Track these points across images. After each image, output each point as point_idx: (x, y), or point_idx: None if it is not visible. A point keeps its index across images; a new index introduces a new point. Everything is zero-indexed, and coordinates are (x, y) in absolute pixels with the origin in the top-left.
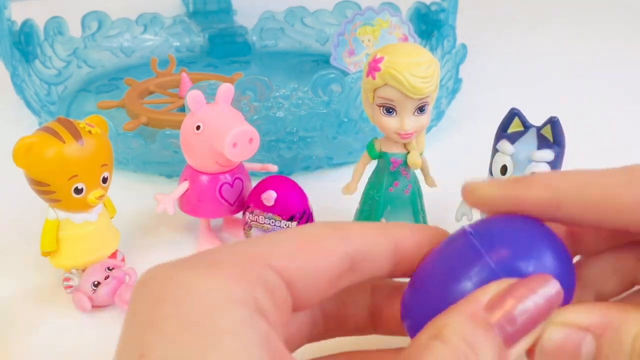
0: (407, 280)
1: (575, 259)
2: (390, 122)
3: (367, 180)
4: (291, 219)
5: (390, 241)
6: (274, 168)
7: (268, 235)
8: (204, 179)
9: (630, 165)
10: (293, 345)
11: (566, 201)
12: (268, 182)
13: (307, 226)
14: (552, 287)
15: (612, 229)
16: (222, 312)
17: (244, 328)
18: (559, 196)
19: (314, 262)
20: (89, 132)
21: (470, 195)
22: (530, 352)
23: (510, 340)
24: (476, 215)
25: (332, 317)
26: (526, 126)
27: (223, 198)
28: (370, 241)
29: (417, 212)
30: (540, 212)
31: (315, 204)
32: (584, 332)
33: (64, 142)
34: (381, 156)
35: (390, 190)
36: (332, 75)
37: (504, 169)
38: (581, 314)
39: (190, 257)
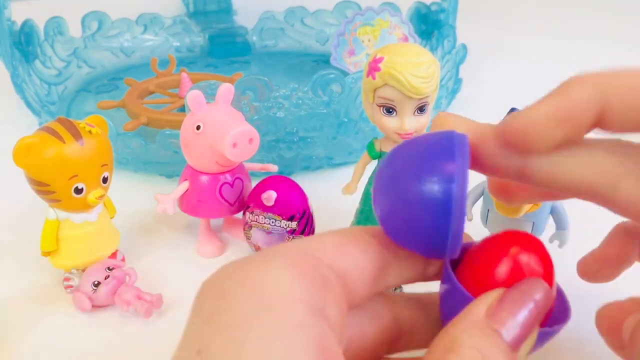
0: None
1: None
2: (391, 122)
3: (367, 180)
4: (291, 218)
5: None
6: (274, 168)
7: (317, 235)
8: (204, 179)
9: None
10: (365, 353)
11: (619, 107)
12: (268, 182)
13: (349, 228)
14: (543, 289)
15: None
16: (280, 310)
17: (301, 327)
18: (609, 101)
19: (359, 254)
20: (89, 132)
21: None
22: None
23: (515, 344)
24: (476, 216)
25: (405, 330)
26: None
27: (223, 198)
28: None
29: None
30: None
31: (315, 204)
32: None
33: (64, 142)
34: (381, 156)
35: None
36: (332, 76)
37: None
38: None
39: (253, 256)
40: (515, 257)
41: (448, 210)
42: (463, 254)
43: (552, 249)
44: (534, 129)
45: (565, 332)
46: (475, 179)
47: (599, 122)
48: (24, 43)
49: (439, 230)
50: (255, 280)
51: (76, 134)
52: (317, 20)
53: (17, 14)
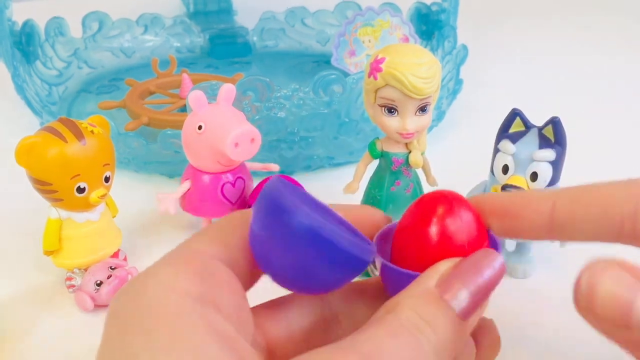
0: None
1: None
2: (392, 122)
3: (368, 179)
4: None
5: None
6: (275, 168)
7: (203, 229)
8: (206, 178)
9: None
10: (305, 348)
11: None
12: None
13: (235, 213)
14: (496, 261)
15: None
16: (161, 303)
17: (183, 315)
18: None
19: (242, 240)
20: (91, 132)
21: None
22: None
23: (465, 314)
24: None
25: (343, 314)
26: (527, 126)
27: (225, 197)
28: None
29: None
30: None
31: None
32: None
33: (67, 142)
34: (383, 156)
35: (392, 190)
36: (333, 76)
37: (505, 169)
38: (633, 267)
39: (141, 271)
40: (442, 223)
41: (316, 230)
42: (390, 236)
43: (552, 249)
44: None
45: (565, 333)
46: (475, 179)
47: (556, 230)
48: (25, 43)
49: (333, 254)
50: (139, 287)
51: (78, 134)
52: (317, 21)
53: (18, 14)
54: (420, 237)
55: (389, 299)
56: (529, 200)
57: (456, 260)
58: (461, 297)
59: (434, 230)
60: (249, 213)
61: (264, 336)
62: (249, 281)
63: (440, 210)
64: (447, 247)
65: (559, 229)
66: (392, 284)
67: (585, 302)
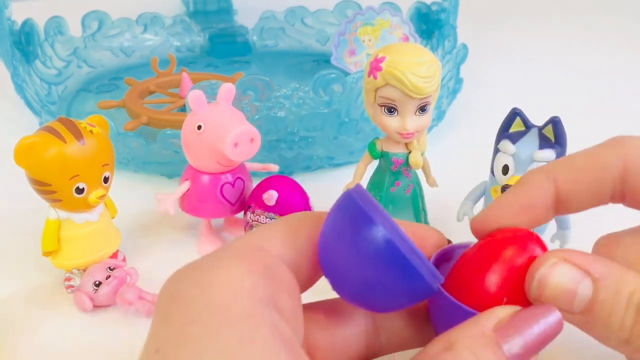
0: None
1: None
2: (392, 122)
3: (368, 179)
4: None
5: None
6: (275, 168)
7: (264, 226)
8: (205, 178)
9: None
10: (338, 354)
11: (566, 187)
12: (269, 182)
13: (298, 214)
14: (555, 316)
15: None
16: (230, 305)
17: (251, 317)
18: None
19: (306, 241)
20: (91, 131)
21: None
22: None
23: None
24: None
25: (383, 328)
26: (528, 126)
27: (224, 198)
28: None
29: (418, 211)
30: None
31: (316, 204)
32: (584, 274)
33: (65, 142)
34: (382, 156)
35: (392, 190)
36: (333, 75)
37: (505, 169)
38: (585, 258)
39: (205, 255)
40: (511, 263)
41: (397, 252)
42: (450, 260)
43: (553, 249)
44: (499, 222)
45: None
46: (475, 180)
47: (559, 205)
48: (24, 43)
49: (408, 277)
50: (206, 279)
51: (77, 134)
52: (317, 20)
53: (18, 14)
54: (485, 275)
55: (444, 334)
56: (534, 188)
57: (516, 308)
58: (516, 347)
59: (501, 272)
60: (318, 215)
61: (307, 340)
62: (307, 284)
63: (512, 252)
64: (512, 292)
65: (563, 205)
66: (442, 313)
67: (535, 293)
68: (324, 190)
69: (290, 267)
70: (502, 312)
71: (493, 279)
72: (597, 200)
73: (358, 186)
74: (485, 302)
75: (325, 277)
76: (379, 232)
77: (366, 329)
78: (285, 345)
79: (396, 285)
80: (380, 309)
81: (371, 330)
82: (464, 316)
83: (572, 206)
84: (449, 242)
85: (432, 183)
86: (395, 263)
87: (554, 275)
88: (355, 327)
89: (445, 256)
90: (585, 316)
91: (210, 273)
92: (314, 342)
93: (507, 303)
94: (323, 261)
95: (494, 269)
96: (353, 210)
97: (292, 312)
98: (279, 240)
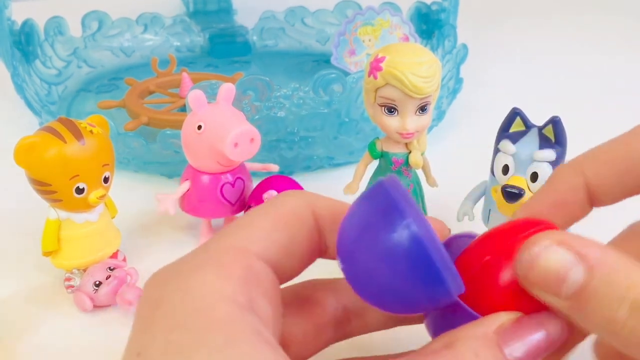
0: None
1: None
2: (392, 122)
3: (368, 179)
4: None
5: None
6: (275, 168)
7: (245, 218)
8: (205, 179)
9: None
10: (314, 346)
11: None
12: (269, 182)
13: (280, 199)
14: (558, 325)
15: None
16: (210, 310)
17: (231, 323)
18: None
19: (288, 239)
20: (91, 131)
21: None
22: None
23: None
24: (478, 215)
25: (353, 313)
26: (528, 126)
27: (224, 198)
28: (338, 209)
29: None
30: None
31: None
32: (578, 259)
33: (66, 142)
34: (382, 156)
35: None
36: (333, 75)
37: (505, 169)
38: (581, 241)
39: (184, 258)
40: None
41: (426, 254)
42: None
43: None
44: None
45: None
46: (475, 180)
47: (594, 199)
48: (24, 43)
49: (430, 277)
50: (186, 285)
51: (77, 134)
52: (317, 20)
53: (18, 14)
54: (491, 275)
55: (447, 333)
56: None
57: (519, 314)
58: (517, 351)
59: (509, 274)
60: (304, 196)
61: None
62: (291, 276)
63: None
64: (517, 295)
65: (597, 198)
66: (443, 313)
67: (523, 272)
68: (324, 190)
69: (271, 263)
70: (505, 317)
71: (502, 282)
72: (630, 190)
73: (391, 177)
74: (490, 304)
75: (341, 265)
76: (409, 229)
77: (335, 315)
78: (268, 346)
79: (416, 287)
80: (390, 307)
81: (341, 316)
82: (467, 318)
83: (607, 198)
84: (450, 232)
85: (432, 183)
86: (420, 263)
87: (544, 257)
88: (326, 316)
89: (445, 247)
90: (572, 302)
91: (190, 279)
92: (287, 336)
93: (512, 306)
94: (341, 247)
95: (503, 270)
96: (383, 200)
97: (271, 316)
98: (260, 236)
